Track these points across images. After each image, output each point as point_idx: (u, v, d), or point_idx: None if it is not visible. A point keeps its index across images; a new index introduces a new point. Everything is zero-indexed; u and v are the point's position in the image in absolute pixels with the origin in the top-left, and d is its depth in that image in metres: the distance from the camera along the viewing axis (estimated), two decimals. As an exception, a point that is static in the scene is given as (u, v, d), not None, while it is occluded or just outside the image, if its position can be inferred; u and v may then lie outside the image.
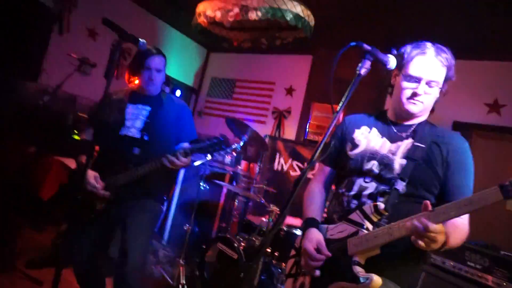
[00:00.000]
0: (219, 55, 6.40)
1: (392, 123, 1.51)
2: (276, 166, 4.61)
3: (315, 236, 1.43)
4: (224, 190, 4.10)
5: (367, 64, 1.30)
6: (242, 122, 3.18)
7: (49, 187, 3.48)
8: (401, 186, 1.35)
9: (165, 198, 3.93)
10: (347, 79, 1.26)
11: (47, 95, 3.36)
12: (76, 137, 3.99)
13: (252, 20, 2.85)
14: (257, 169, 4.63)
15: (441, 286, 2.41)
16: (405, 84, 1.40)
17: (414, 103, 1.40)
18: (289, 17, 2.71)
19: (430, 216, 1.11)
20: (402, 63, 1.42)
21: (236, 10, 2.94)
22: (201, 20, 3.22)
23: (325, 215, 1.61)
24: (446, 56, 1.39)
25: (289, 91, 5.36)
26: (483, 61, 3.87)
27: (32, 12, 3.70)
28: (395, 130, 1.48)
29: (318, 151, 1.21)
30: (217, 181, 3.67)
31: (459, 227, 1.29)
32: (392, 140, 1.46)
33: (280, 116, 5.31)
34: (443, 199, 1.33)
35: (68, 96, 4.47)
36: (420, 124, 1.47)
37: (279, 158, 4.62)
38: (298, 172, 4.40)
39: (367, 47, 1.30)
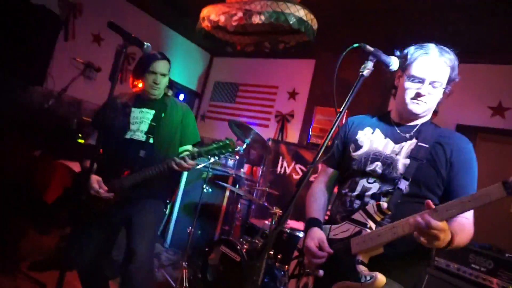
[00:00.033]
0: (222, 59, 6.44)
1: (396, 124, 1.52)
2: (279, 169, 4.62)
3: (317, 234, 1.43)
4: (227, 193, 4.10)
5: (370, 65, 1.31)
6: (245, 124, 3.19)
7: (53, 190, 3.50)
8: (404, 185, 1.35)
9: (168, 201, 3.94)
10: (350, 81, 1.27)
11: (52, 98, 3.39)
12: (81, 141, 4.02)
13: (255, 24, 2.87)
14: (260, 172, 4.63)
15: (445, 288, 2.40)
16: (409, 84, 1.41)
17: (418, 104, 1.40)
18: (292, 21, 2.73)
19: (433, 213, 1.12)
20: (405, 64, 1.43)
21: (240, 14, 2.97)
22: (205, 24, 3.25)
23: (327, 217, 1.62)
24: (450, 56, 1.39)
25: (292, 94, 5.38)
26: (487, 64, 3.87)
27: (40, 18, 3.75)
28: (398, 131, 1.49)
29: (321, 151, 1.22)
30: (221, 182, 3.68)
31: (466, 226, 1.29)
32: (396, 141, 1.46)
33: (283, 120, 5.32)
34: (446, 200, 1.33)
35: (73, 101, 4.52)
36: (423, 124, 1.47)
37: (282, 161, 4.62)
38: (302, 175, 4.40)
39: (369, 48, 1.31)
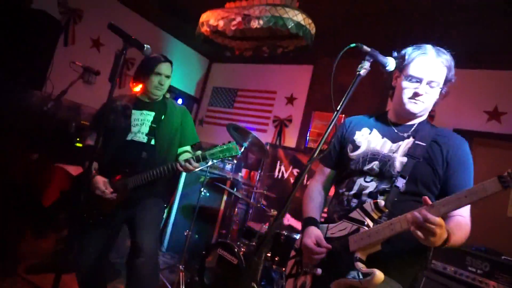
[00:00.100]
0: (221, 65, 6.48)
1: (393, 123, 1.54)
2: (276, 173, 4.63)
3: (314, 232, 1.45)
4: (225, 197, 4.10)
5: (367, 65, 1.33)
6: (244, 128, 3.21)
7: (50, 193, 3.49)
8: (401, 183, 1.37)
9: (165, 205, 3.94)
10: (348, 86, 1.30)
11: (51, 101, 3.41)
12: (79, 144, 4.03)
13: (254, 28, 2.90)
14: (257, 177, 4.64)
15: (442, 291, 2.41)
16: (407, 84, 1.43)
17: (416, 103, 1.43)
18: (290, 25, 2.76)
19: (430, 208, 1.13)
20: (403, 65, 1.46)
21: (239, 19, 3.00)
22: (204, 29, 3.28)
23: (325, 215, 1.63)
24: (446, 57, 1.42)
25: (290, 100, 5.41)
26: (483, 69, 3.91)
27: (40, 23, 3.78)
28: (396, 131, 1.51)
29: (319, 147, 1.23)
30: (219, 184, 3.69)
31: (462, 225, 1.30)
32: (393, 140, 1.48)
33: (281, 125, 5.35)
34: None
35: (72, 105, 4.53)
36: (421, 123, 1.50)
37: (280, 166, 4.64)
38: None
39: (366, 48, 1.34)
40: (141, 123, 2.19)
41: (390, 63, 1.38)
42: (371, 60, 1.34)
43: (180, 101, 6.15)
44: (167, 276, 3.41)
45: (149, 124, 2.19)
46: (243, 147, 3.25)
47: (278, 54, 3.43)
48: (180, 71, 5.99)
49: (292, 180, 4.49)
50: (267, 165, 4.71)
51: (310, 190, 1.68)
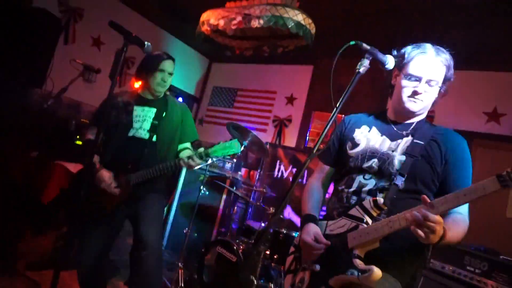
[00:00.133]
0: (221, 65, 6.49)
1: (392, 122, 1.55)
2: (276, 173, 4.64)
3: (313, 229, 1.46)
4: (224, 196, 4.11)
5: (366, 62, 1.34)
6: (243, 127, 3.21)
7: (50, 191, 3.50)
8: (400, 181, 1.37)
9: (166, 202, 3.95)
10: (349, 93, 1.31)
11: (51, 98, 3.41)
12: (79, 142, 4.03)
13: (254, 28, 2.91)
14: (257, 176, 4.65)
15: (441, 291, 2.41)
16: (406, 82, 1.44)
17: (415, 101, 1.44)
18: (290, 25, 2.77)
19: (429, 207, 1.14)
20: (402, 63, 1.47)
21: (239, 18, 3.01)
22: (205, 28, 3.29)
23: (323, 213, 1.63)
24: (446, 56, 1.43)
25: (290, 100, 5.42)
26: (482, 71, 3.92)
27: (41, 21, 3.78)
28: (395, 129, 1.52)
29: (318, 143, 1.24)
30: (218, 182, 3.70)
31: (459, 222, 1.31)
32: (392, 138, 1.49)
33: (281, 125, 5.36)
34: (442, 196, 1.36)
35: (72, 103, 4.54)
36: (419, 122, 1.51)
37: (280, 165, 4.65)
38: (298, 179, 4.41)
39: (366, 46, 1.35)
40: (143, 119, 2.20)
41: (390, 61, 1.39)
42: (371, 58, 1.35)
43: (180, 100, 6.16)
44: (166, 273, 3.42)
45: (151, 120, 2.20)
46: (243, 145, 3.25)
47: (278, 53, 3.44)
48: (180, 71, 6.00)
49: (291, 180, 4.50)
50: (266, 164, 4.72)
51: (309, 187, 1.69)
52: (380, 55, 1.37)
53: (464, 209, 1.36)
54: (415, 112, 1.47)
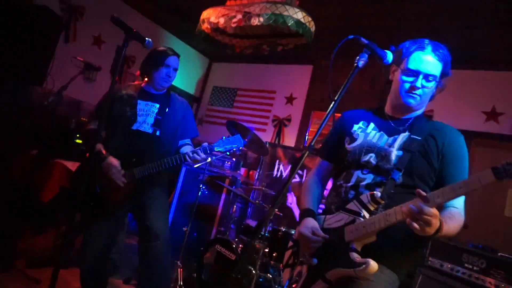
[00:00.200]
0: (221, 64, 6.51)
1: (390, 117, 1.56)
2: (275, 172, 4.65)
3: (311, 223, 1.46)
4: (223, 195, 4.12)
5: (365, 57, 1.35)
6: (243, 125, 3.22)
7: (50, 189, 3.51)
8: (397, 176, 1.38)
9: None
10: (348, 88, 1.32)
11: (52, 96, 3.42)
12: (79, 141, 4.04)
13: (254, 26, 2.92)
14: (256, 176, 4.66)
15: (439, 288, 2.41)
16: (404, 78, 1.45)
17: (412, 96, 1.45)
18: (290, 23, 2.78)
19: (424, 200, 1.15)
20: (400, 59, 1.48)
21: (239, 16, 3.03)
22: (205, 26, 3.31)
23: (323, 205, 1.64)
24: (443, 52, 1.44)
25: (290, 99, 5.44)
26: (481, 70, 3.94)
27: (42, 19, 3.79)
28: (392, 124, 1.53)
29: (317, 136, 1.25)
30: (218, 182, 3.70)
31: (455, 216, 1.32)
32: (390, 134, 1.50)
33: (280, 124, 5.37)
34: None
35: (73, 101, 4.55)
36: (417, 117, 1.52)
37: (279, 165, 4.66)
38: (297, 179, 4.43)
39: (364, 40, 1.36)
40: (146, 114, 2.22)
41: (388, 56, 1.40)
42: (369, 53, 1.36)
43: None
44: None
45: (154, 115, 2.23)
46: (244, 143, 3.26)
47: (278, 52, 3.45)
48: (180, 70, 5.96)
49: (291, 179, 4.50)
50: (265, 164, 4.72)
51: (307, 182, 1.70)
52: (379, 50, 1.38)
53: (460, 203, 1.38)
54: (413, 107, 1.48)
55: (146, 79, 2.31)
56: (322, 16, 3.49)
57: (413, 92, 1.44)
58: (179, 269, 3.11)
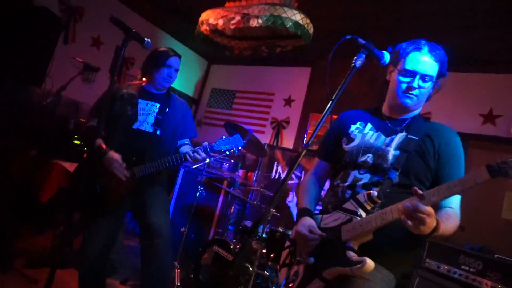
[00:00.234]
0: (220, 66, 6.52)
1: (387, 117, 1.57)
2: (273, 174, 4.66)
3: (308, 221, 1.47)
4: (221, 197, 4.12)
5: (362, 57, 1.36)
6: (242, 127, 3.23)
7: (48, 189, 3.50)
8: (394, 176, 1.39)
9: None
10: (346, 88, 1.33)
11: (51, 96, 3.43)
12: (77, 142, 4.05)
13: (253, 27, 2.94)
14: (254, 177, 4.66)
15: (436, 290, 2.42)
16: (400, 78, 1.47)
17: (409, 97, 1.46)
18: (288, 24, 2.80)
19: (420, 198, 1.16)
20: (397, 59, 1.49)
21: (238, 18, 3.04)
22: (204, 28, 3.32)
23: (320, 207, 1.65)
24: (440, 52, 1.46)
25: (288, 101, 5.45)
26: (478, 73, 3.96)
27: (41, 20, 3.80)
28: (390, 125, 1.54)
29: (314, 135, 1.26)
30: (216, 183, 3.71)
31: (451, 216, 1.33)
32: (387, 134, 1.51)
33: (279, 126, 5.38)
34: None
35: (72, 102, 4.55)
36: (414, 117, 1.53)
37: (277, 166, 4.67)
38: (296, 180, 4.44)
39: (362, 41, 1.37)
40: (147, 113, 2.23)
41: (385, 56, 1.41)
42: (367, 53, 1.37)
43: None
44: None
45: (155, 115, 2.24)
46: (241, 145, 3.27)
47: (276, 53, 3.47)
48: (179, 72, 6.02)
49: (289, 181, 4.50)
50: (264, 165, 4.73)
51: (305, 182, 1.71)
52: (376, 50, 1.39)
53: (456, 204, 1.39)
54: (410, 107, 1.49)
55: (144, 78, 2.32)
56: (321, 16, 3.50)
57: (410, 92, 1.45)
58: (176, 270, 3.11)
